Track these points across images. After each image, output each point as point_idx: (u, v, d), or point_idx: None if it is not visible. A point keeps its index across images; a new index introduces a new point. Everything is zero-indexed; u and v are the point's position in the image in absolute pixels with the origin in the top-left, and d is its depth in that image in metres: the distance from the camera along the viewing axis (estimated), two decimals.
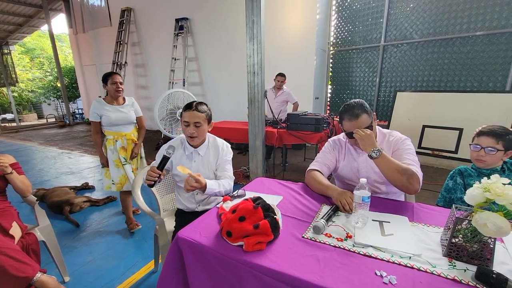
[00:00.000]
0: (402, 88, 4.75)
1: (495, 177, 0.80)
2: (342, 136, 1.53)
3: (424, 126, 4.26)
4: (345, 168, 1.47)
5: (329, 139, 1.59)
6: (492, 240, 0.80)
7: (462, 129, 3.95)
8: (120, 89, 2.24)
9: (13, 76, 11.03)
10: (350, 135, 1.35)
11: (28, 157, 5.13)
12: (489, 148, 1.25)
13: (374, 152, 1.21)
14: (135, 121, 2.38)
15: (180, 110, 3.02)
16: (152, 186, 1.26)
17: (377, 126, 1.43)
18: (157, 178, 1.24)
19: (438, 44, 4.30)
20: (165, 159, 1.26)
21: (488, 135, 1.26)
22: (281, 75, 3.99)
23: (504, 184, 0.76)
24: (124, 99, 2.35)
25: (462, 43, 4.11)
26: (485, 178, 0.82)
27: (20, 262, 1.28)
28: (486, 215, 0.75)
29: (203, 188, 1.29)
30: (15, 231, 1.49)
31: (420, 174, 1.21)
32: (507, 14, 3.72)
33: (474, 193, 0.80)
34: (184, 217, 1.50)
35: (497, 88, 3.96)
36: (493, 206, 0.80)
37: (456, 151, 4.01)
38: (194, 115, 1.36)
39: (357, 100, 1.34)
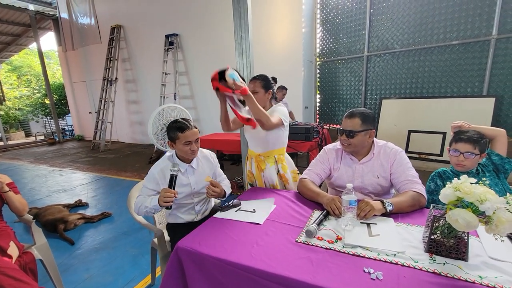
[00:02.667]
0: (387, 96, 4.95)
1: (463, 177, 0.89)
2: (338, 144, 1.57)
3: (409, 131, 4.44)
4: (340, 177, 1.53)
5: (324, 147, 1.63)
6: (466, 234, 0.89)
7: (446, 132, 4.14)
8: None
9: (0, 94, 10.88)
10: (341, 131, 1.45)
11: (18, 176, 5.04)
12: (468, 153, 1.34)
13: (388, 207, 1.20)
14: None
15: None
16: (170, 208, 1.31)
17: (374, 139, 1.49)
18: (173, 198, 1.29)
19: (418, 53, 4.53)
20: (173, 178, 1.31)
21: (466, 142, 1.35)
22: (285, 88, 4.11)
23: (472, 184, 0.86)
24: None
25: (440, 52, 4.35)
26: (456, 178, 0.91)
27: (19, 281, 1.29)
28: (457, 212, 0.83)
29: (222, 194, 1.49)
30: (13, 250, 1.50)
31: (422, 188, 1.31)
32: (479, 24, 3.98)
33: (446, 193, 0.89)
34: (175, 230, 1.55)
35: (475, 93, 4.19)
36: (464, 203, 0.89)
37: (441, 154, 4.18)
38: (194, 133, 1.44)
39: (369, 110, 1.44)
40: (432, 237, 0.93)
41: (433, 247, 0.93)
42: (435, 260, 0.90)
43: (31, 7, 8.10)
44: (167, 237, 1.61)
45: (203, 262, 1.03)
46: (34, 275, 1.56)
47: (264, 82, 1.75)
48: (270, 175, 1.81)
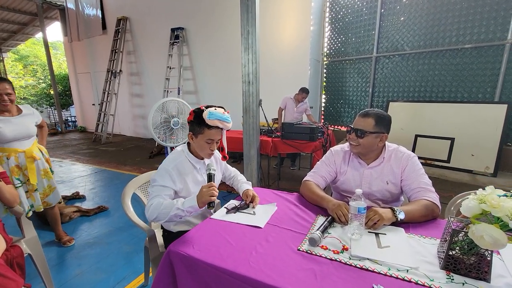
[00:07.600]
0: (395, 98, 4.83)
1: (490, 188, 0.79)
2: (346, 145, 1.48)
3: (416, 136, 4.32)
4: (346, 182, 1.44)
5: (331, 149, 1.54)
6: (489, 252, 0.79)
7: (454, 138, 4.02)
8: (6, 100, 1.88)
9: None
10: (351, 130, 1.36)
11: None
12: None
13: (399, 215, 1.11)
14: (36, 135, 2.12)
15: (175, 119, 3.00)
16: (213, 205, 1.15)
17: (386, 142, 1.40)
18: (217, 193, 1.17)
19: (429, 56, 4.41)
20: (212, 177, 1.22)
21: None
22: (306, 92, 4.06)
23: (499, 196, 0.76)
24: (19, 108, 2.03)
25: (451, 55, 4.22)
26: (481, 189, 0.81)
27: (3, 277, 1.22)
28: (482, 227, 0.74)
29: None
30: (0, 243, 1.43)
31: (436, 197, 1.21)
32: (493, 28, 3.85)
33: (470, 205, 0.80)
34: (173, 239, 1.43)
35: (487, 99, 4.06)
36: (488, 217, 0.79)
37: (448, 160, 4.07)
38: (219, 133, 1.32)
39: (386, 113, 1.35)
40: (450, 253, 0.84)
41: (451, 264, 0.84)
42: (453, 279, 0.81)
43: None
44: (159, 239, 1.53)
45: (196, 268, 0.95)
46: (22, 270, 1.48)
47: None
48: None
